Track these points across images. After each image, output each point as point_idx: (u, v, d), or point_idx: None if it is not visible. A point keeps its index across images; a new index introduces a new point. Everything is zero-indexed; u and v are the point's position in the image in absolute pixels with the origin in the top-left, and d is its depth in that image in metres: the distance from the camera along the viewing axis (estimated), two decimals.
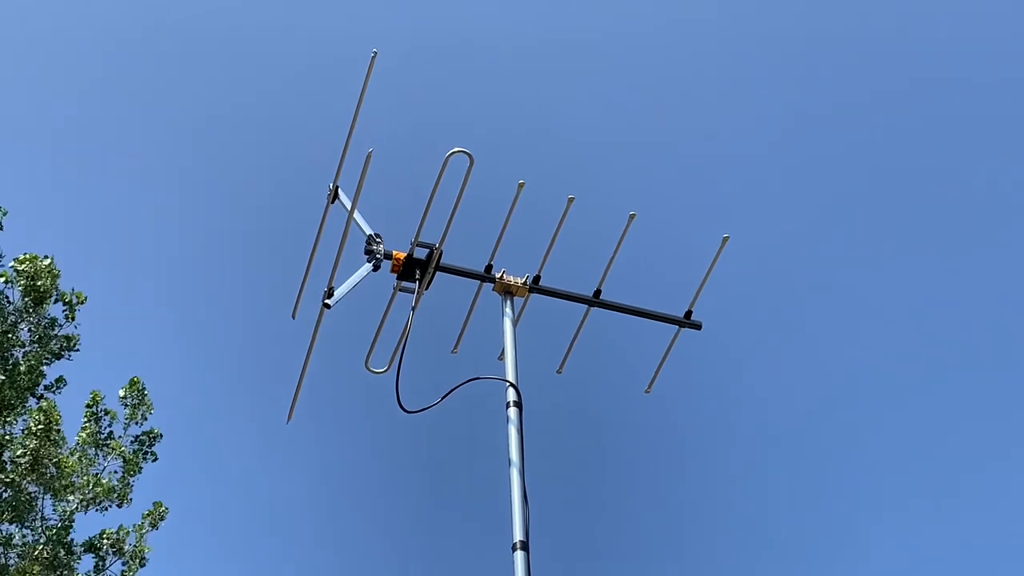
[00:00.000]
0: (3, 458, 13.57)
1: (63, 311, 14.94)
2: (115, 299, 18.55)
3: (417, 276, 5.25)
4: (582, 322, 5.60)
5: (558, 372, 5.72)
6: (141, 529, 14.94)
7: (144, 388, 15.62)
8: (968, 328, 19.35)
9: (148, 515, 15.06)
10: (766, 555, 19.36)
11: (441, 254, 5.26)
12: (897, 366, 19.69)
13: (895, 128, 18.73)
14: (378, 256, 5.25)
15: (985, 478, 19.51)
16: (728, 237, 5.53)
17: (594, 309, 5.57)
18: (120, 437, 15.35)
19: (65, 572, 13.69)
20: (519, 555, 4.30)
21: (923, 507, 19.67)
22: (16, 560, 13.24)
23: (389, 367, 5.33)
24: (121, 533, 14.63)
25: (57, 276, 14.69)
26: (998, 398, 19.47)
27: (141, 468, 15.29)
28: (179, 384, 21.27)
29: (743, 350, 17.71)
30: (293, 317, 5.41)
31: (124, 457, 15.15)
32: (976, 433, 19.59)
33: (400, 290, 5.30)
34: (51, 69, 20.97)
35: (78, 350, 14.93)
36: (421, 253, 5.26)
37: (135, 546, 14.72)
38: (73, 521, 14.19)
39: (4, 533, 13.78)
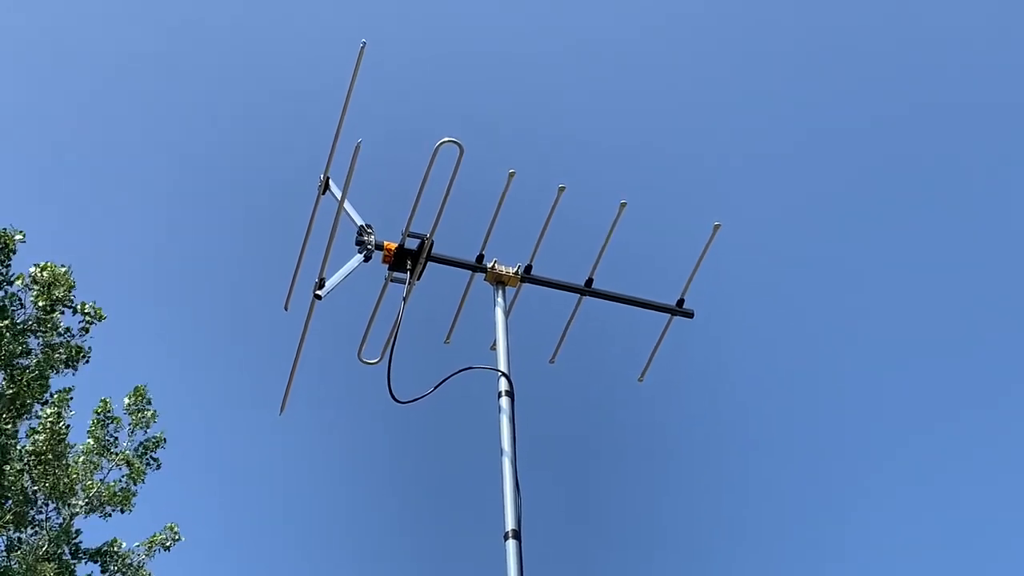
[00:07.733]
0: (4, 468, 13.53)
1: (79, 323, 14.85)
2: (101, 296, 18.53)
3: (409, 266, 5.24)
4: (574, 311, 5.60)
5: (551, 362, 5.72)
6: (150, 547, 14.90)
7: (149, 396, 15.63)
8: (962, 315, 19.36)
9: (156, 538, 15.03)
10: (758, 541, 19.39)
11: (432, 244, 5.25)
12: (889, 353, 19.71)
13: (886, 114, 18.76)
14: (369, 247, 5.24)
15: (985, 469, 19.50)
16: (719, 225, 5.51)
17: (586, 298, 5.56)
18: (124, 444, 15.36)
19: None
20: (511, 544, 4.30)
21: (918, 491, 19.69)
22: (19, 562, 13.22)
23: (382, 358, 5.33)
24: (124, 555, 14.58)
25: (72, 286, 14.60)
26: (995, 383, 19.47)
27: (145, 477, 15.26)
28: (173, 379, 21.31)
29: (735, 338, 17.75)
30: (286, 309, 5.40)
31: (128, 462, 15.14)
32: (971, 421, 19.59)
33: (392, 280, 5.30)
34: (38, 67, 21.03)
35: (88, 361, 14.85)
36: (412, 243, 5.25)
37: (140, 562, 14.70)
38: (74, 523, 14.19)
39: (10, 539, 13.77)
